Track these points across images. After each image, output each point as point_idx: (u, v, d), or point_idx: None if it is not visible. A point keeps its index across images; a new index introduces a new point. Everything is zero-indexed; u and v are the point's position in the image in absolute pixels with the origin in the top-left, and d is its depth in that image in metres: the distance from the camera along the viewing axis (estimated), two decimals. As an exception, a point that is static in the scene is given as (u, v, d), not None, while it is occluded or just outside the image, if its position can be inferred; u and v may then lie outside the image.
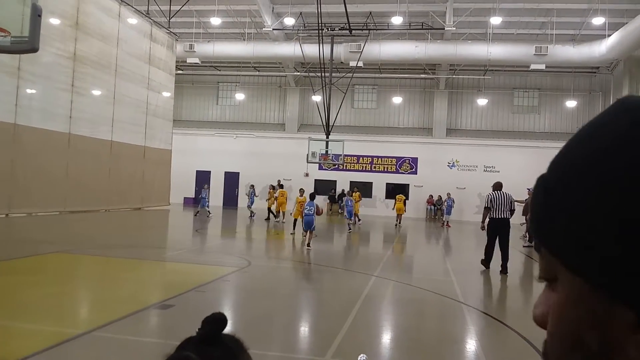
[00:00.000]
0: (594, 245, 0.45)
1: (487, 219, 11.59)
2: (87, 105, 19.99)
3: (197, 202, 23.78)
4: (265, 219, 23.00)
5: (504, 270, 11.07)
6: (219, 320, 1.05)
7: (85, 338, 5.28)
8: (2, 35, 7.29)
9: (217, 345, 1.05)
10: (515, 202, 11.90)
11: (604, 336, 0.45)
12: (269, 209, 23.44)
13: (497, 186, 11.79)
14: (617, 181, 0.44)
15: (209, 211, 23.10)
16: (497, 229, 11.35)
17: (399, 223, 23.90)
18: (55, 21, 17.93)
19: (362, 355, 2.75)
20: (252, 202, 24.47)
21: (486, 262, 11.51)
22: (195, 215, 22.79)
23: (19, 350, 4.72)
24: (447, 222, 25.60)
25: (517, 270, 13.06)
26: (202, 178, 31.42)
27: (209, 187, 23.95)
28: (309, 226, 13.91)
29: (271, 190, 23.83)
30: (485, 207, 11.69)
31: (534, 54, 25.67)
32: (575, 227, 0.46)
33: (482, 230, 12.06)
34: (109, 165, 21.34)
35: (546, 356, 0.52)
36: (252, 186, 25.54)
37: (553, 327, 0.50)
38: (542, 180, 0.54)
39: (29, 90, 17.29)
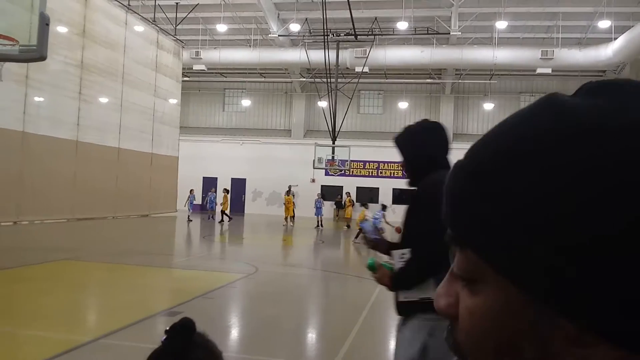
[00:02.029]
0: (536, 253, 0.40)
1: None
2: (94, 112, 20.09)
3: (204, 208, 24.28)
4: (220, 222, 23.86)
5: None
6: (187, 327, 1.04)
7: (94, 345, 5.29)
8: (10, 44, 7.35)
9: (194, 349, 1.05)
10: None
11: (540, 348, 0.41)
12: (223, 212, 24.52)
13: None
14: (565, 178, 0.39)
15: (188, 216, 23.72)
16: None
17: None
18: (62, 29, 18.05)
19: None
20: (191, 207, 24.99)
21: None
22: (209, 218, 23.13)
23: (29, 357, 4.74)
24: None
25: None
26: (209, 184, 31.49)
27: (216, 191, 24.84)
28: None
29: (225, 194, 25.17)
30: None
31: (540, 58, 25.61)
32: (511, 227, 0.41)
33: None
34: (117, 172, 21.42)
35: (457, 348, 0.48)
36: (191, 191, 25.98)
37: (472, 329, 0.45)
38: (461, 165, 0.48)
39: (37, 98, 17.40)
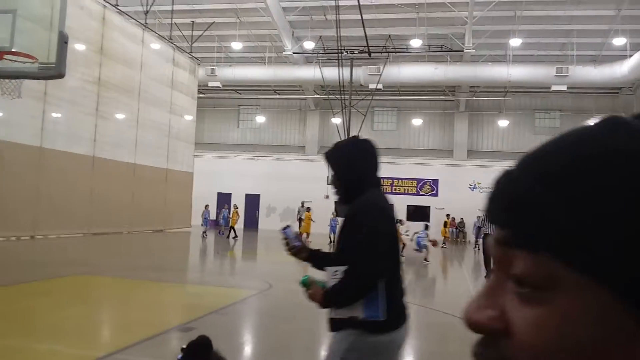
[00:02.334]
0: (629, 251, 0.38)
1: (482, 235, 13.88)
2: (110, 128, 20.32)
3: (217, 223, 24.49)
4: (227, 237, 24.14)
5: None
6: (204, 344, 1.06)
7: (108, 360, 5.30)
8: (30, 62, 7.48)
9: None
10: None
11: (627, 356, 0.38)
12: (232, 228, 24.65)
13: None
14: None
15: (204, 232, 23.91)
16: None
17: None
18: (80, 47, 18.35)
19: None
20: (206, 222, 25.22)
21: (486, 271, 13.37)
22: (220, 233, 23.19)
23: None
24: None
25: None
26: (223, 200, 31.61)
27: (229, 207, 24.97)
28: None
29: (234, 210, 25.29)
30: (478, 227, 14.78)
31: (555, 75, 25.53)
32: (600, 229, 0.39)
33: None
34: (132, 187, 21.58)
35: None
36: (207, 206, 26.11)
37: (540, 342, 0.41)
38: (525, 169, 0.47)
39: (54, 115, 17.64)
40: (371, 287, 2.30)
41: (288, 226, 2.73)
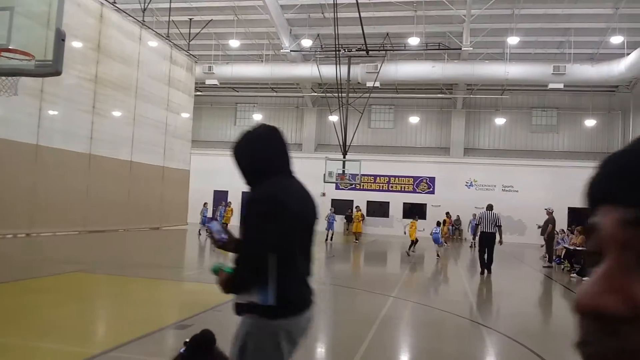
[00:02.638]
0: None
1: (478, 233, 14.78)
2: (107, 126, 20.28)
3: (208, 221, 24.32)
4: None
5: (488, 270, 14.09)
6: (208, 339, 1.09)
7: (105, 358, 5.31)
8: (26, 59, 7.47)
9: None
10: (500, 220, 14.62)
11: None
12: (226, 225, 24.09)
13: (489, 207, 14.82)
14: None
15: (199, 230, 23.62)
16: (485, 240, 14.31)
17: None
18: (77, 44, 18.31)
19: None
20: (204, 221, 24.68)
21: (481, 267, 14.27)
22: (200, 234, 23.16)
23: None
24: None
25: (537, 292, 12.90)
26: (220, 198, 31.59)
27: (225, 205, 24.88)
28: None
29: (228, 207, 24.86)
30: (475, 224, 15.87)
31: (552, 73, 25.57)
32: None
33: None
34: (129, 185, 21.55)
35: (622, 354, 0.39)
36: (205, 204, 25.87)
37: None
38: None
39: (51, 112, 17.60)
40: (257, 274, 2.38)
41: (213, 220, 2.79)
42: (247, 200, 2.50)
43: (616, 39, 23.69)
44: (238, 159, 2.66)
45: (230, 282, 2.45)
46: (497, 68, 26.30)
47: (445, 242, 23.76)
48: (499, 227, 14.27)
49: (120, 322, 7.24)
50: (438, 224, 19.88)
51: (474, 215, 25.67)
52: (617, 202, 0.41)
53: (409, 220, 29.73)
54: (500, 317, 9.14)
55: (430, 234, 19.03)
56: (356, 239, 24.27)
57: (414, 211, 28.59)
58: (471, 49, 25.73)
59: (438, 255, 18.36)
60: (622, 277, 0.40)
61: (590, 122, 29.75)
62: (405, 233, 21.73)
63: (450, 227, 29.89)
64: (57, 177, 17.51)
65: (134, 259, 13.99)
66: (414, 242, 19.78)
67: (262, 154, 2.62)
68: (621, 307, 0.40)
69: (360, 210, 25.77)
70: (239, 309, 2.49)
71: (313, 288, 2.63)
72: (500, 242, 14.41)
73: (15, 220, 16.09)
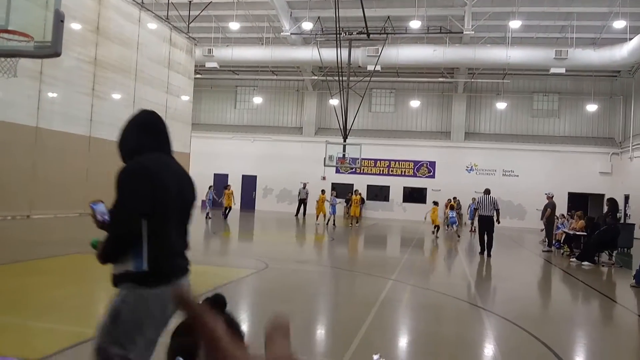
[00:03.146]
0: None
1: (477, 217, 15.42)
2: (107, 109, 20.23)
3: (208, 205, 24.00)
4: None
5: (488, 253, 14.50)
6: (219, 301, 1.13)
7: (105, 338, 5.33)
8: (25, 40, 7.41)
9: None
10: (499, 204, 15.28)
11: None
12: (227, 208, 23.97)
13: (486, 191, 15.42)
14: None
15: (207, 212, 23.50)
16: (484, 224, 14.83)
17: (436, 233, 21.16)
18: (76, 26, 18.19)
19: (376, 355, 2.78)
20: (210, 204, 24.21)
21: (481, 250, 14.77)
22: (207, 217, 23.00)
23: (41, 349, 4.79)
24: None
25: (536, 276, 12.95)
26: (220, 181, 31.61)
27: (211, 188, 24.78)
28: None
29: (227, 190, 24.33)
30: (474, 208, 17.16)
31: (554, 58, 25.45)
32: None
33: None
34: (129, 168, 21.53)
35: None
36: (210, 187, 25.36)
37: None
38: None
39: (50, 94, 17.55)
40: (128, 239, 2.54)
41: (98, 201, 2.83)
42: (119, 171, 2.66)
43: (619, 24, 23.53)
44: (118, 140, 2.87)
45: (104, 251, 2.61)
46: (499, 52, 26.16)
47: (447, 227, 23.89)
48: (497, 210, 14.80)
49: (121, 303, 7.26)
50: (452, 207, 22.46)
51: (473, 199, 25.67)
52: None
53: (407, 204, 29.91)
54: (500, 300, 9.18)
55: (447, 218, 21.41)
56: (356, 222, 24.17)
57: (413, 196, 28.63)
58: (473, 32, 25.57)
59: (458, 235, 20.61)
60: None
61: (591, 107, 29.65)
62: (425, 219, 22.39)
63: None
64: (57, 160, 17.51)
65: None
66: (437, 227, 20.81)
67: (134, 135, 2.81)
68: None
69: (359, 194, 25.62)
70: (115, 280, 2.62)
71: (189, 260, 2.84)
72: (498, 221, 14.90)
73: (16, 202, 16.12)
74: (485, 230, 14.70)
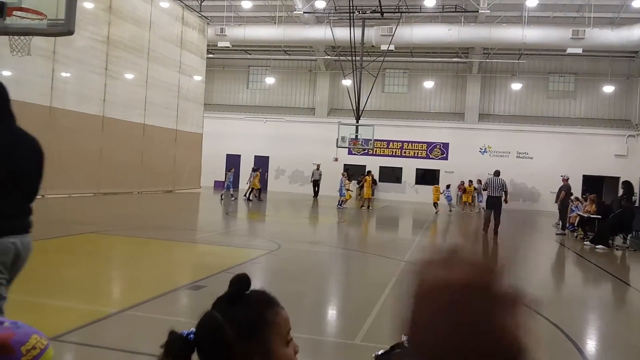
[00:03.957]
0: None
1: (485, 197, 16.12)
2: (120, 88, 20.25)
3: (226, 186, 24.00)
4: (249, 199, 23.39)
5: (495, 232, 14.92)
6: (242, 280, 1.11)
7: (119, 316, 5.38)
8: (38, 19, 7.39)
9: (243, 304, 1.11)
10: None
11: None
12: (252, 190, 23.81)
13: (496, 173, 15.70)
14: None
15: (231, 194, 23.42)
16: (492, 204, 15.29)
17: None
18: (89, 5, 18.15)
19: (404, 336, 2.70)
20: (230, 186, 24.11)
21: (485, 227, 15.18)
22: (222, 199, 23.01)
23: (56, 327, 4.84)
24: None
25: (550, 259, 12.89)
26: (232, 161, 31.68)
27: (234, 171, 24.71)
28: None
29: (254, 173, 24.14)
30: (483, 189, 17.38)
31: (571, 38, 25.03)
32: None
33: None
34: (142, 148, 21.63)
35: None
36: (232, 169, 25.34)
37: None
38: None
39: (63, 74, 17.58)
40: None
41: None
42: None
43: (637, 3, 23.05)
44: None
45: None
46: (515, 32, 25.76)
47: (462, 208, 24.39)
48: (505, 192, 15.34)
49: (134, 282, 7.33)
50: (447, 186, 25.06)
51: (479, 180, 25.64)
52: None
53: (420, 186, 29.91)
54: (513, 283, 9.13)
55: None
56: (368, 206, 23.37)
57: (426, 177, 28.54)
58: (488, 11, 25.18)
59: (450, 210, 23.95)
60: None
61: (608, 88, 29.18)
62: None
63: (462, 193, 29.71)
64: (70, 140, 17.59)
65: (147, 221, 14.11)
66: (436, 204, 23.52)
67: None
68: None
69: (371, 175, 25.33)
70: None
71: (30, 220, 3.31)
72: (506, 201, 15.41)
73: (30, 182, 16.22)
74: (492, 209, 15.25)
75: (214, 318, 1.14)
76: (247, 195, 23.70)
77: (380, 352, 0.89)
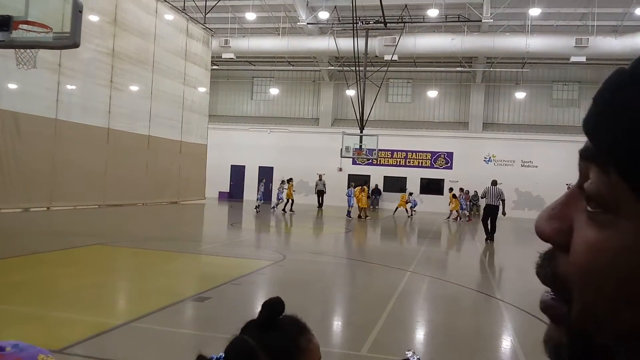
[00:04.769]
0: None
1: (484, 205, 16.57)
2: (125, 100, 20.34)
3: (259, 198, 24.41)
4: (291, 210, 23.98)
5: (491, 238, 15.83)
6: (275, 304, 1.08)
7: (125, 329, 5.37)
8: (44, 32, 7.45)
9: (275, 330, 1.07)
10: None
11: None
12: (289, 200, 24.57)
13: (493, 182, 16.44)
14: None
15: (257, 205, 23.83)
16: (489, 211, 15.98)
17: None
18: (94, 18, 18.27)
19: (408, 351, 2.69)
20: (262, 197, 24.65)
21: (486, 234, 15.99)
22: (257, 210, 23.17)
23: (62, 339, 4.83)
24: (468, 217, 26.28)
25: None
26: (237, 172, 31.75)
27: (265, 182, 25.55)
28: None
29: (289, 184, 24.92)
30: (481, 197, 17.94)
31: (574, 46, 25.03)
32: None
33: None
34: (147, 159, 21.69)
35: (555, 281, 0.42)
36: (263, 180, 25.86)
37: (591, 265, 0.38)
38: (631, 75, 0.38)
39: (69, 86, 17.68)
40: None
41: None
42: None
43: (641, 11, 23.06)
44: None
45: None
46: (518, 40, 25.80)
47: (460, 218, 24.16)
48: (503, 200, 15.95)
49: (140, 293, 7.32)
50: (410, 193, 26.79)
51: (475, 192, 26.15)
52: (587, 133, 0.41)
53: (424, 196, 29.89)
54: (519, 292, 9.08)
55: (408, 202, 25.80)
56: (365, 216, 23.45)
57: (431, 187, 28.52)
58: (491, 20, 25.24)
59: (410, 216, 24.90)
60: (569, 205, 0.42)
61: (612, 96, 29.09)
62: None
63: (469, 202, 29.63)
64: (76, 152, 17.66)
65: (153, 232, 14.12)
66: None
67: None
68: (556, 235, 0.42)
69: (364, 189, 24.93)
70: None
71: None
72: (504, 213, 15.99)
73: (36, 194, 16.30)
74: (489, 217, 15.93)
75: (246, 343, 1.09)
76: (288, 207, 24.11)
77: None
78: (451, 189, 26.88)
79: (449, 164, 31.23)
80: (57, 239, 11.40)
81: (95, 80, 18.79)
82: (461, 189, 28.30)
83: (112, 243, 11.31)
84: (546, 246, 0.44)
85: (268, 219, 22.06)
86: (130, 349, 4.92)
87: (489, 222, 15.97)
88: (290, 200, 24.42)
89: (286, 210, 24.06)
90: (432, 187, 31.04)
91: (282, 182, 25.03)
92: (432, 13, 24.90)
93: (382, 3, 22.00)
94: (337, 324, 6.47)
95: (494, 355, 5.51)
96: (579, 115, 30.62)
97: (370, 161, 27.21)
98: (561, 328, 0.43)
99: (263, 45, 28.97)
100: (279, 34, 28.72)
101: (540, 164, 29.55)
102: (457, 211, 24.96)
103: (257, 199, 24.20)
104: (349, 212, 23.38)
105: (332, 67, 31.93)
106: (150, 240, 12.25)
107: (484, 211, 16.46)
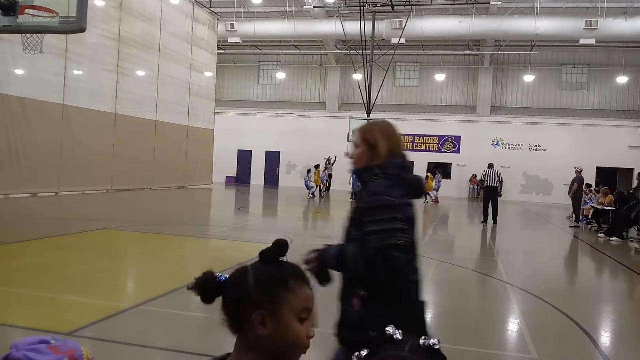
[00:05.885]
0: None
1: (483, 187, 17.03)
2: (131, 85, 20.35)
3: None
4: (321, 195, 25.18)
5: (494, 221, 16.04)
6: (279, 245, 1.22)
7: (134, 311, 5.43)
8: (50, 16, 7.44)
9: (275, 265, 1.21)
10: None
11: None
12: (319, 187, 25.73)
13: (490, 165, 16.91)
14: None
15: (310, 192, 24.72)
16: (489, 193, 16.36)
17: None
18: (100, 2, 18.23)
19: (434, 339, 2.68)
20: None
21: (484, 218, 16.16)
22: (311, 196, 24.13)
23: (71, 322, 4.89)
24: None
25: (563, 251, 12.81)
26: (243, 157, 31.77)
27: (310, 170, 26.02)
28: None
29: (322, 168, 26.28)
30: (480, 180, 18.84)
31: (584, 28, 24.75)
32: None
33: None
34: (154, 144, 21.74)
35: None
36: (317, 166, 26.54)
37: None
38: None
39: (76, 71, 17.69)
40: None
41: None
42: None
43: (653, -9, 22.73)
44: None
45: None
46: (527, 23, 25.53)
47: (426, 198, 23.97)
48: (501, 182, 16.50)
49: (149, 277, 7.38)
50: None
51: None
52: None
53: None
54: (526, 275, 9.09)
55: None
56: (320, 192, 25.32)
57: (445, 172, 28.42)
58: (500, 3, 24.96)
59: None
60: None
61: (622, 79, 28.86)
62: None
63: (475, 186, 29.58)
64: (83, 137, 17.72)
65: (160, 216, 14.19)
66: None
67: None
68: None
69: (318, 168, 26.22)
70: None
71: None
72: (500, 194, 16.51)
73: (44, 180, 16.40)
74: (490, 199, 16.26)
75: (244, 267, 1.22)
76: (319, 192, 25.24)
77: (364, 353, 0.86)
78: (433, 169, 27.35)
79: (456, 148, 31.11)
80: (66, 224, 11.48)
81: (101, 65, 18.79)
82: (474, 175, 28.30)
83: (121, 227, 11.38)
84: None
85: (275, 203, 22.08)
86: (139, 331, 4.97)
87: (490, 205, 16.19)
88: (319, 186, 25.56)
89: (322, 195, 25.19)
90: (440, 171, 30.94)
91: (308, 170, 25.92)
92: (440, -5, 24.65)
93: (389, -15, 21.80)
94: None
95: (502, 337, 5.53)
96: (588, 98, 30.36)
97: (377, 145, 27.10)
98: None
99: (269, 29, 28.82)
100: (285, 18, 28.54)
101: (549, 147, 29.39)
102: (429, 192, 25.08)
103: (309, 187, 25.21)
104: (352, 195, 23.55)
105: (339, 51, 31.74)
106: (158, 224, 12.32)
107: (484, 193, 16.90)
